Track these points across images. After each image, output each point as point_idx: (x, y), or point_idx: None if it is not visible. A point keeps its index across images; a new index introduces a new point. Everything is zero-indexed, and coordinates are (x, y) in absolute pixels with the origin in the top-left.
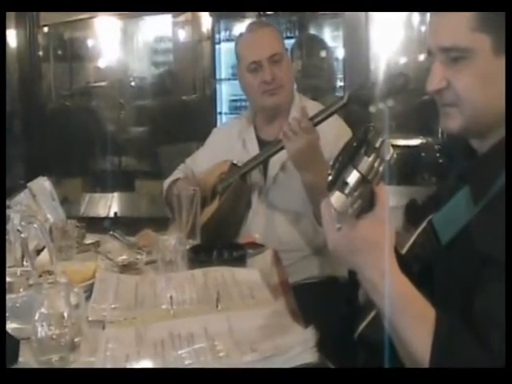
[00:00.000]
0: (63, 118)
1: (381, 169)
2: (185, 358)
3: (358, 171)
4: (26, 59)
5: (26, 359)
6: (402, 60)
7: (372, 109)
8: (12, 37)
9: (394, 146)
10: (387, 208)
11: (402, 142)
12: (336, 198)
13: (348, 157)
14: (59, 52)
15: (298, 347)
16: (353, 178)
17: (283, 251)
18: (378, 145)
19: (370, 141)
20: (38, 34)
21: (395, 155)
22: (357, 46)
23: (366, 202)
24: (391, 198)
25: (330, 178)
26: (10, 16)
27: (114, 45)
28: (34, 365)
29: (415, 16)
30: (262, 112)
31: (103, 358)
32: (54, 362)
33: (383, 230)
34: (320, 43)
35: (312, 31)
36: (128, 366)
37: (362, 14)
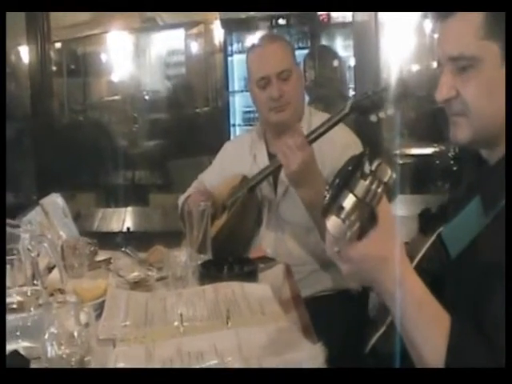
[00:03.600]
0: (77, 133)
1: (379, 190)
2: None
3: (354, 195)
4: (39, 75)
5: None
6: (413, 68)
7: (373, 118)
8: (24, 53)
9: (407, 155)
10: (391, 221)
11: (415, 151)
12: (332, 223)
13: (344, 181)
14: (72, 67)
15: (307, 363)
16: (349, 202)
17: (294, 265)
18: (373, 168)
19: (365, 164)
20: (50, 49)
21: (394, 176)
22: (366, 54)
23: (367, 223)
24: (405, 207)
25: (326, 202)
26: (22, 32)
27: (126, 59)
28: None
29: (426, 23)
30: (269, 127)
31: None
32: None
33: (389, 243)
34: (332, 53)
35: (324, 41)
36: None
37: (372, 22)
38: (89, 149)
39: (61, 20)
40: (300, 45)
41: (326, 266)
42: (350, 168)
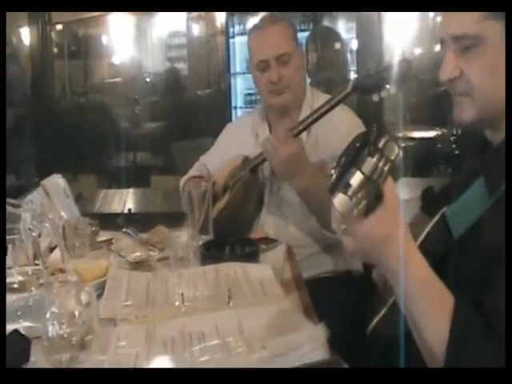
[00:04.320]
0: (78, 115)
1: (386, 168)
2: (197, 356)
3: (362, 172)
4: (40, 57)
5: (38, 358)
6: (416, 50)
7: (375, 97)
8: (25, 35)
9: (409, 138)
10: (396, 200)
11: (417, 134)
12: (339, 200)
13: (351, 158)
14: (73, 49)
15: (309, 345)
16: (356, 179)
17: (295, 247)
18: (381, 145)
19: (373, 142)
20: (52, 31)
21: (401, 154)
22: (369, 37)
23: (373, 200)
24: (408, 189)
25: (332, 180)
26: (23, 14)
27: (127, 41)
28: (45, 364)
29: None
30: (271, 109)
31: (113, 356)
32: (65, 361)
33: (394, 221)
34: (334, 35)
35: (326, 24)
36: (138, 364)
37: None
38: (90, 131)
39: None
40: (302, 27)
41: (328, 248)
42: (357, 145)
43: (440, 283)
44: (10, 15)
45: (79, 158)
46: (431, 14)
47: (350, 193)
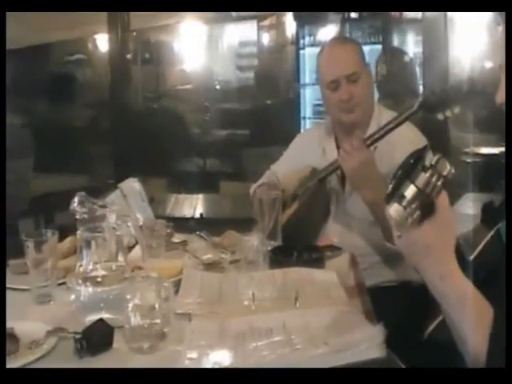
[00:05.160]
0: (150, 120)
1: (439, 183)
2: (263, 350)
3: (415, 185)
4: (118, 63)
5: (120, 345)
6: (482, 64)
7: (440, 116)
8: (104, 41)
9: (476, 153)
10: (447, 213)
11: (484, 150)
12: (393, 209)
13: (406, 172)
14: (147, 56)
15: (367, 343)
16: (410, 191)
17: (359, 256)
18: (433, 162)
19: (426, 158)
20: (129, 38)
21: (453, 170)
22: (435, 51)
23: (426, 211)
24: (472, 204)
25: (389, 190)
26: (103, 20)
27: (199, 49)
28: (126, 351)
29: (496, 19)
30: (339, 126)
31: (188, 346)
32: (145, 349)
33: (443, 234)
34: (403, 52)
35: (395, 37)
36: (211, 355)
37: (442, 18)
38: (161, 136)
39: None
40: (372, 40)
41: (389, 259)
42: (412, 161)
43: (480, 298)
44: (87, 20)
45: (150, 161)
46: (500, 27)
47: (404, 203)
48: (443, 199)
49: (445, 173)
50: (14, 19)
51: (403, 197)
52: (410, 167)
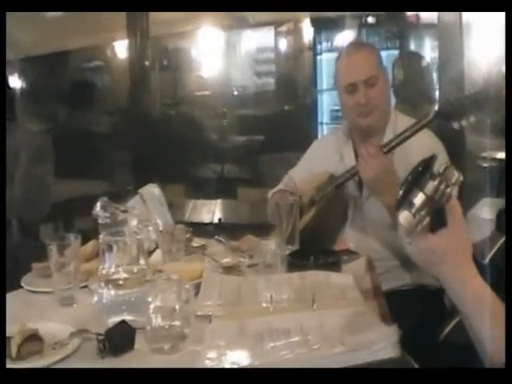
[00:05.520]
0: (168, 126)
1: (448, 190)
2: (281, 350)
3: (424, 193)
4: (136, 70)
5: (141, 346)
6: (498, 69)
7: (455, 125)
8: (122, 48)
9: (493, 158)
10: (459, 219)
11: (501, 155)
12: (403, 216)
13: (415, 179)
14: (164, 62)
15: (381, 343)
16: (419, 199)
17: (376, 260)
18: (441, 170)
19: (434, 166)
20: (147, 45)
21: (461, 178)
22: (451, 56)
23: (437, 218)
24: (489, 209)
25: (398, 198)
26: (122, 27)
27: (217, 55)
28: (147, 351)
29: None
30: (357, 130)
31: (208, 346)
32: (166, 350)
33: (456, 240)
34: (420, 57)
35: (412, 42)
36: (230, 355)
37: (457, 22)
38: (179, 141)
39: (156, 16)
40: (388, 45)
41: (406, 263)
42: (420, 169)
43: (497, 300)
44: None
45: (169, 167)
46: None
47: (413, 210)
48: (454, 206)
49: (453, 180)
50: (35, 27)
51: (412, 204)
52: (419, 175)
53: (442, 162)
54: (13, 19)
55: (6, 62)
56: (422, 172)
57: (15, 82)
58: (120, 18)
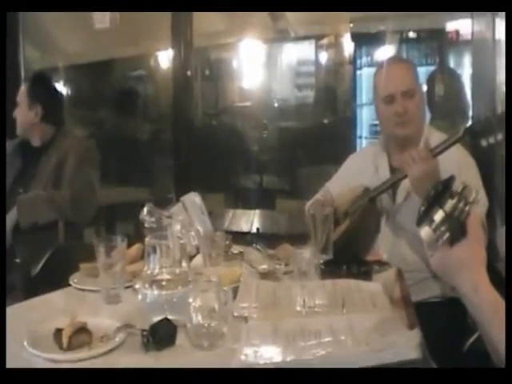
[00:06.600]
0: (209, 136)
1: (467, 208)
2: (312, 348)
3: (444, 210)
4: (179, 79)
5: (182, 342)
6: None
7: (483, 143)
8: (165, 57)
9: None
10: (478, 234)
11: None
12: (424, 232)
13: (435, 198)
14: (207, 73)
15: (404, 344)
16: (439, 216)
17: (407, 271)
18: (460, 190)
19: (452, 186)
20: (191, 55)
21: (479, 197)
22: (485, 72)
23: (457, 233)
24: None
25: (420, 213)
26: (167, 37)
27: (258, 67)
28: (187, 348)
29: None
30: (392, 141)
31: (244, 344)
32: (205, 347)
33: (474, 252)
34: (456, 73)
35: (451, 58)
36: (264, 352)
37: (490, 38)
38: (220, 151)
39: (200, 28)
40: (428, 61)
41: (435, 275)
42: (440, 188)
43: (504, 303)
44: (151, 39)
45: (209, 177)
46: None
47: (433, 226)
48: (474, 220)
49: (471, 199)
50: (83, 35)
51: (433, 221)
52: (439, 193)
53: (471, 176)
54: (61, 29)
55: (54, 69)
56: (442, 191)
57: (62, 88)
58: (165, 28)
